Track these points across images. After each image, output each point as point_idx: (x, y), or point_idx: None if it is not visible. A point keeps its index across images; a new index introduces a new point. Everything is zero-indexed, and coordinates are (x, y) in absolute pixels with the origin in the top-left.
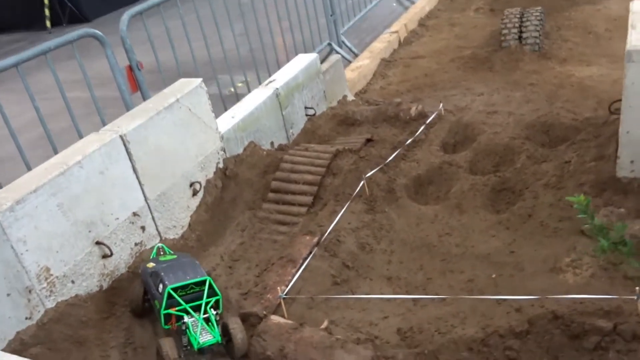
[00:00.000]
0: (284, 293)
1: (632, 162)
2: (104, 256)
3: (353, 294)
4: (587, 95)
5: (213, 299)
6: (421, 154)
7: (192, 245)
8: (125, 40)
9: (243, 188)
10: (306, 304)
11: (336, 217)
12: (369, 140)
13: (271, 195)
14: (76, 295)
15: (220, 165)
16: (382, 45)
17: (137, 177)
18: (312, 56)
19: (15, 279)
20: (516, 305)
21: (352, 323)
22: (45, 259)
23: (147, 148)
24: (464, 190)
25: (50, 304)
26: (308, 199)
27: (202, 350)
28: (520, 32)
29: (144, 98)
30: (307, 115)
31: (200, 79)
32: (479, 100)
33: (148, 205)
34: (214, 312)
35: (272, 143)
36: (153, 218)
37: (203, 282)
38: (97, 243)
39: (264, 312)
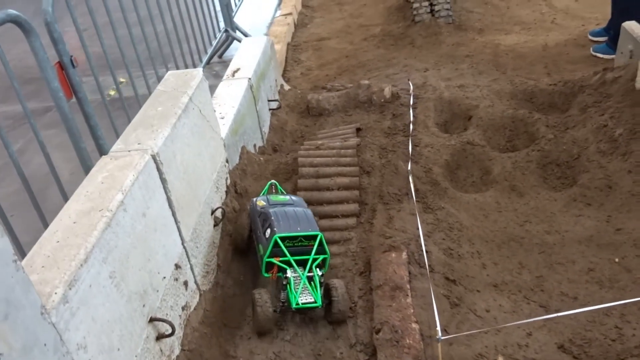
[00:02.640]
0: (441, 334)
1: None
2: (159, 337)
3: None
4: (529, 61)
5: (320, 257)
6: (427, 138)
7: (234, 293)
8: (52, 26)
9: None
10: (445, 340)
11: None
12: (358, 130)
13: None
14: None
15: (228, 182)
16: (283, 29)
17: (173, 213)
18: (263, 39)
19: None
20: None
21: (499, 351)
22: None
23: (176, 170)
24: (509, 170)
25: None
26: (354, 207)
27: (299, 311)
28: (431, 4)
29: (81, 106)
30: (270, 109)
31: (200, 70)
32: (430, 76)
33: (185, 250)
34: (319, 273)
35: (254, 146)
36: (191, 267)
37: (314, 237)
38: (152, 320)
39: None
